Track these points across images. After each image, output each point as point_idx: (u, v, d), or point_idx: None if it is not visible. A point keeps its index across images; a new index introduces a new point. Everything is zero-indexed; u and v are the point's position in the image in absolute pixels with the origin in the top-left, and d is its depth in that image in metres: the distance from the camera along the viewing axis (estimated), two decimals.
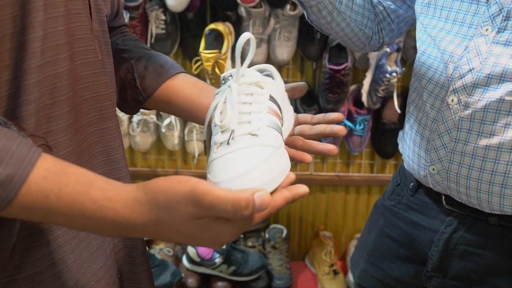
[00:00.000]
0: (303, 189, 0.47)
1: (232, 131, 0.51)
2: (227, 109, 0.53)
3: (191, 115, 0.70)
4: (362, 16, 0.86)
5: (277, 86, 0.60)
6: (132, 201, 0.43)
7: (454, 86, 0.71)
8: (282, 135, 0.56)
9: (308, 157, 0.64)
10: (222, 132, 0.52)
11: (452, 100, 0.72)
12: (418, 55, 0.81)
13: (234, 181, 0.46)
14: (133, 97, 0.72)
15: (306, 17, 0.86)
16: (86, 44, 0.54)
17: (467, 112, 0.70)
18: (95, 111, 0.57)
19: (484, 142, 0.69)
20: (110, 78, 0.63)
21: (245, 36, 0.52)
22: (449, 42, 0.73)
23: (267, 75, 0.63)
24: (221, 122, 0.52)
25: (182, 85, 0.71)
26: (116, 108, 0.68)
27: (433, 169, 0.77)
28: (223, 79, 0.57)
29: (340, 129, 0.64)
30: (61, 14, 0.49)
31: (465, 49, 0.70)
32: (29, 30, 0.45)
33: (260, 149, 0.50)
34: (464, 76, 0.70)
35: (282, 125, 0.58)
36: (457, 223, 0.78)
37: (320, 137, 0.66)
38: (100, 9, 0.59)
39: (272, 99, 0.57)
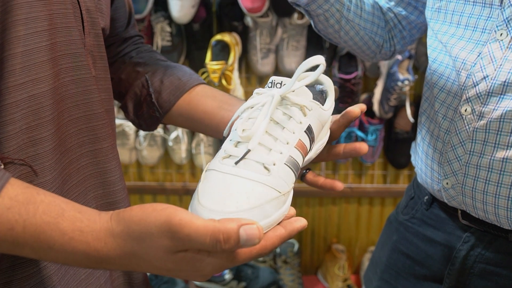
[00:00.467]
0: (300, 223, 0.43)
1: (248, 151, 0.46)
2: (256, 121, 0.47)
3: (212, 130, 0.66)
4: (371, 23, 0.82)
5: (323, 113, 0.54)
6: (105, 232, 0.41)
7: (467, 95, 0.67)
8: (296, 176, 0.50)
9: (339, 185, 0.59)
10: (237, 144, 0.47)
11: (466, 110, 0.68)
12: (429, 62, 0.77)
13: (220, 215, 0.42)
14: (149, 113, 0.68)
15: (314, 26, 0.82)
16: (76, 60, 0.51)
17: (482, 122, 0.66)
18: (86, 131, 0.54)
19: (501, 154, 0.65)
20: (106, 95, 0.60)
21: (318, 59, 0.47)
22: (461, 49, 0.69)
23: (321, 91, 0.57)
24: (242, 131, 0.47)
25: (202, 98, 0.67)
26: (118, 124, 0.64)
27: (447, 183, 0.72)
28: (271, 83, 0.50)
29: (361, 146, 0.58)
30: (44, 29, 0.46)
31: (478, 56, 0.66)
32: (8, 45, 0.43)
33: (264, 190, 0.44)
34: (477, 84, 0.66)
35: (305, 157, 0.52)
36: (475, 240, 0.73)
37: (338, 158, 0.61)
38: (95, 23, 0.56)
39: (308, 129, 0.51)
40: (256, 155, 0.46)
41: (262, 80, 1.61)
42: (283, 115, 0.49)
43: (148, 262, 0.40)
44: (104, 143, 0.56)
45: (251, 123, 0.48)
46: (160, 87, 0.67)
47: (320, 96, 0.57)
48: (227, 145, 0.48)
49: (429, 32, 0.78)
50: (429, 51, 0.77)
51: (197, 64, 1.52)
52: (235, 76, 1.48)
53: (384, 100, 1.54)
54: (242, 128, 0.47)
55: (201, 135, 1.54)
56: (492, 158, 0.65)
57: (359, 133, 1.59)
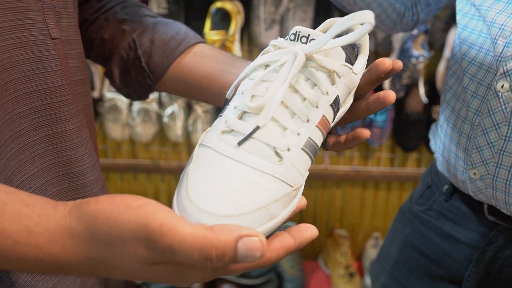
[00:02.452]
0: (311, 233, 0.34)
1: (257, 127, 0.35)
2: (271, 87, 0.36)
3: (215, 97, 0.55)
4: None
5: (353, 78, 0.42)
6: (62, 232, 0.31)
7: (505, 67, 0.57)
8: (313, 161, 0.39)
9: (366, 132, 0.48)
10: (243, 115, 0.36)
11: (502, 86, 0.57)
12: (458, 31, 0.66)
13: (214, 219, 0.32)
14: (139, 80, 0.58)
15: None
16: (24, 16, 0.40)
17: None
18: (41, 110, 0.43)
19: None
20: (77, 63, 0.49)
21: (366, 17, 0.34)
22: (499, 12, 0.58)
23: (353, 46, 0.44)
24: (252, 98, 0.36)
25: (200, 59, 0.56)
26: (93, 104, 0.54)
27: (475, 174, 0.63)
28: (295, 34, 0.38)
29: (386, 94, 0.46)
30: None
31: None
32: None
33: (273, 186, 0.34)
34: None
35: (325, 135, 0.40)
36: (504, 240, 0.63)
37: (362, 117, 0.49)
38: None
39: (335, 102, 0.40)
40: (267, 135, 0.35)
41: None
42: (306, 81, 0.38)
43: (119, 270, 0.32)
44: (67, 124, 0.45)
45: (264, 88, 0.37)
46: (151, 48, 0.56)
47: (352, 53, 0.45)
48: (229, 115, 0.37)
49: None
50: (458, 17, 0.67)
51: None
52: (236, 48, 1.37)
53: (396, 78, 1.44)
54: (251, 94, 0.36)
55: (199, 111, 1.45)
56: None
57: None
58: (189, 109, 1.51)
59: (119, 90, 0.61)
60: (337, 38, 0.37)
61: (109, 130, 1.50)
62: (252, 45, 1.50)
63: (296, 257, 1.62)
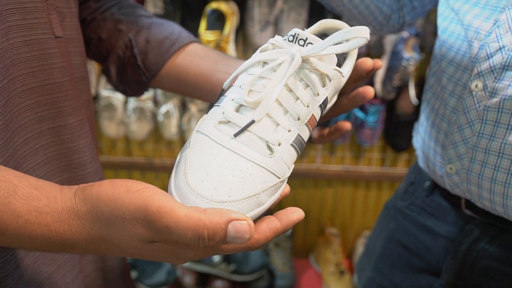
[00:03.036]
0: (297, 215, 0.37)
1: (252, 121, 0.38)
2: (268, 85, 0.39)
3: (207, 94, 0.58)
4: None
5: (341, 81, 0.45)
6: (68, 212, 0.34)
7: (479, 68, 0.59)
8: (299, 156, 0.42)
9: (347, 124, 0.53)
10: (239, 108, 0.39)
11: (476, 86, 0.60)
12: (438, 33, 0.69)
13: (208, 203, 0.35)
14: (135, 78, 0.60)
15: None
16: (31, 16, 0.43)
17: (494, 100, 0.58)
18: (45, 104, 0.46)
19: None
20: (78, 60, 0.51)
21: (363, 32, 0.38)
22: (475, 16, 0.61)
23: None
24: (249, 93, 0.39)
25: (194, 58, 0.59)
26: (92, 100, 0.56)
27: (451, 169, 0.65)
28: (293, 36, 0.41)
29: (365, 89, 0.50)
30: None
31: (494, 24, 0.58)
32: None
33: (263, 176, 0.37)
34: (492, 56, 0.58)
35: (312, 132, 0.44)
36: (478, 233, 0.66)
37: (342, 112, 0.54)
38: None
39: (323, 103, 0.43)
40: (261, 129, 0.38)
41: None
42: (300, 82, 0.40)
43: (120, 248, 0.35)
44: (69, 118, 0.48)
45: (261, 84, 0.39)
46: (146, 48, 0.59)
47: (341, 56, 0.48)
48: (227, 106, 0.39)
49: (441, 0, 0.70)
50: (439, 21, 0.69)
51: (192, 35, 1.44)
52: (231, 48, 1.40)
53: (387, 79, 1.47)
54: (249, 89, 0.39)
55: (193, 110, 1.47)
56: (504, 141, 0.58)
57: (359, 114, 1.52)
58: (183, 108, 1.53)
59: (116, 87, 0.64)
60: (333, 46, 0.40)
61: (104, 127, 1.52)
62: (246, 46, 1.52)
63: (288, 255, 1.64)
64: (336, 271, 1.60)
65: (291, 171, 0.41)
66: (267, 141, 0.38)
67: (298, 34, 0.41)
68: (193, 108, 1.47)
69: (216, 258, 1.51)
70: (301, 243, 1.78)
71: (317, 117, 0.43)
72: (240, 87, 0.41)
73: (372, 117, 1.52)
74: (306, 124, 0.41)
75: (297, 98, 0.40)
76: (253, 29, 1.43)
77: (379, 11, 0.75)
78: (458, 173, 0.65)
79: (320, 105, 0.43)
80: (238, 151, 0.37)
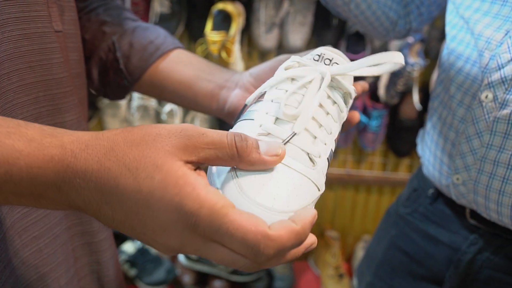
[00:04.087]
0: (310, 212, 0.36)
1: (294, 133, 0.38)
2: (304, 100, 0.40)
3: (189, 102, 0.58)
4: None
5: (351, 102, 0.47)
6: (89, 136, 0.32)
7: (489, 79, 0.59)
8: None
9: (357, 115, 0.53)
10: (276, 121, 0.39)
11: (486, 97, 0.59)
12: (447, 41, 0.69)
13: (269, 213, 0.34)
14: (116, 81, 0.59)
15: None
16: (30, 8, 0.42)
17: (505, 112, 0.58)
18: (44, 100, 0.44)
19: None
20: (76, 56, 0.51)
21: (399, 58, 0.40)
22: (486, 26, 0.60)
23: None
24: (285, 107, 0.39)
25: (177, 65, 0.58)
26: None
27: (457, 179, 0.65)
28: (319, 56, 0.43)
29: (354, 115, 0.52)
30: None
31: (506, 34, 0.58)
32: None
33: (310, 188, 0.37)
34: (503, 67, 0.58)
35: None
36: (483, 243, 0.66)
37: None
38: None
39: (344, 121, 0.45)
40: (302, 141, 0.38)
41: (264, 56, 1.53)
42: (328, 99, 0.42)
43: (137, 180, 0.31)
44: (67, 115, 0.47)
45: (294, 99, 0.40)
46: (129, 51, 0.58)
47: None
48: (263, 119, 0.39)
49: (450, 7, 0.70)
50: (447, 29, 0.69)
51: (197, 35, 1.44)
52: (236, 49, 1.40)
53: (391, 84, 1.47)
54: (284, 103, 0.39)
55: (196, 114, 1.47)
56: None
57: (362, 118, 1.52)
58: (187, 110, 1.53)
59: (97, 90, 0.62)
60: (364, 68, 0.41)
61: (107, 125, 1.52)
62: (251, 47, 1.52)
63: None
64: (335, 274, 1.60)
65: (324, 186, 0.41)
66: (308, 153, 0.38)
67: (324, 54, 0.43)
68: None
69: None
70: None
71: (338, 134, 0.44)
72: (272, 101, 0.41)
73: (375, 122, 1.52)
74: (335, 139, 0.42)
75: (328, 114, 0.41)
76: (259, 30, 1.43)
77: (385, 17, 0.75)
78: (465, 183, 0.64)
79: (343, 124, 0.44)
80: (285, 162, 0.37)
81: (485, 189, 0.61)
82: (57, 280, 0.47)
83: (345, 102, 0.44)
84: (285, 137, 0.38)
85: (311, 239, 0.36)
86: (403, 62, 0.40)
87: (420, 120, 1.56)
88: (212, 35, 1.33)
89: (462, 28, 0.65)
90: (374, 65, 0.41)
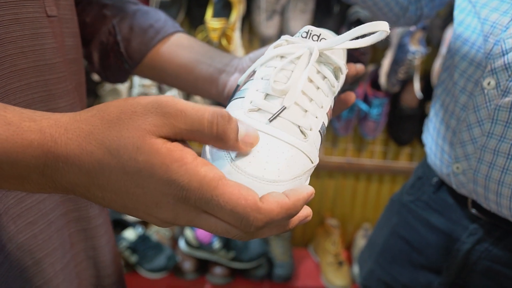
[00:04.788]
0: (306, 189, 0.36)
1: (283, 108, 0.38)
2: (293, 75, 0.40)
3: (189, 86, 0.58)
4: None
5: (344, 78, 0.47)
6: (68, 119, 0.31)
7: (492, 65, 0.57)
8: (321, 144, 0.43)
9: (353, 96, 0.53)
10: (266, 97, 0.40)
11: (489, 83, 0.58)
12: (454, 26, 0.67)
13: (260, 183, 0.34)
14: (117, 64, 0.59)
15: None
16: None
17: (507, 99, 0.57)
18: (36, 86, 0.44)
19: None
20: (72, 41, 0.50)
21: (383, 26, 0.40)
22: (493, 9, 0.58)
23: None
24: (274, 83, 0.40)
25: (177, 49, 0.58)
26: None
27: (457, 168, 0.64)
28: (307, 33, 0.44)
29: (349, 96, 0.52)
30: None
31: None
32: None
33: (302, 159, 0.38)
34: (507, 53, 0.56)
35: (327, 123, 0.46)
36: (483, 234, 0.66)
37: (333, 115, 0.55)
38: None
39: (337, 94, 0.46)
40: (292, 115, 0.39)
41: (265, 43, 1.52)
42: (318, 74, 0.42)
43: (118, 159, 0.30)
44: (60, 101, 0.47)
45: (283, 75, 0.41)
46: (130, 35, 0.58)
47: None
48: (253, 96, 0.40)
49: None
50: (455, 13, 0.67)
51: (198, 22, 1.43)
52: (237, 36, 1.39)
53: (392, 72, 1.46)
54: (274, 80, 0.40)
55: (198, 97, 1.47)
56: None
57: (363, 106, 1.51)
58: (188, 95, 1.53)
59: (98, 73, 0.62)
60: (351, 41, 0.42)
61: None
62: (252, 34, 1.52)
63: (287, 244, 1.65)
64: (335, 262, 1.61)
65: (318, 158, 0.42)
66: (299, 126, 0.39)
67: (311, 31, 0.43)
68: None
69: (216, 244, 1.52)
70: (301, 233, 1.79)
71: (331, 107, 0.45)
72: (262, 78, 0.42)
73: (376, 110, 1.52)
74: (327, 113, 0.43)
75: (318, 88, 0.42)
76: (259, 17, 1.42)
77: (394, 2, 0.73)
78: (464, 173, 0.64)
79: (334, 97, 0.45)
80: (275, 135, 0.37)
81: (485, 179, 0.61)
82: (52, 265, 0.47)
83: (336, 77, 0.44)
84: (275, 111, 0.38)
85: (305, 211, 0.36)
86: (388, 30, 0.40)
87: (421, 109, 1.55)
88: (212, 22, 1.32)
89: (470, 12, 0.63)
90: (361, 37, 0.42)
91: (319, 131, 0.41)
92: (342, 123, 1.53)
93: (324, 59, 0.43)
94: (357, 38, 0.42)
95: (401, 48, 1.42)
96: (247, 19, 1.48)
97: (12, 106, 0.33)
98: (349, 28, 1.42)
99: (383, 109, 1.53)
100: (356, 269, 1.62)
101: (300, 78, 0.40)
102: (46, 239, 0.47)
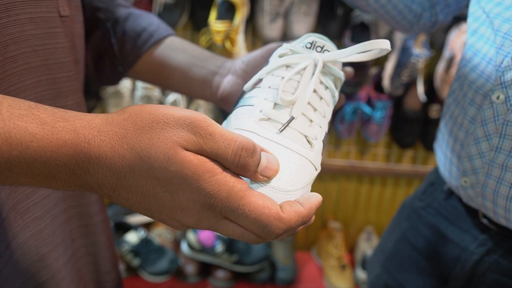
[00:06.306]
0: (315, 197, 0.40)
1: (292, 118, 0.41)
2: (300, 86, 0.43)
3: (183, 89, 0.59)
4: None
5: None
6: (100, 120, 0.33)
7: (502, 78, 0.56)
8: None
9: (342, 98, 0.56)
10: (275, 106, 0.42)
11: (498, 97, 0.56)
12: (468, 34, 0.66)
13: (275, 192, 0.36)
14: (111, 67, 0.60)
15: None
16: None
17: None
18: (46, 83, 0.45)
19: None
20: (79, 41, 0.51)
21: (385, 44, 0.42)
22: (506, 20, 0.56)
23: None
24: (283, 93, 0.42)
25: (171, 52, 0.58)
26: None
27: (465, 182, 0.63)
28: (311, 44, 0.46)
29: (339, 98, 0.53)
30: None
31: None
32: None
33: (309, 168, 0.40)
34: None
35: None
36: (492, 245, 0.64)
37: None
38: None
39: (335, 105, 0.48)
40: (300, 125, 0.41)
41: None
42: (320, 84, 0.44)
43: (148, 163, 0.32)
44: (68, 99, 0.48)
45: (291, 85, 0.43)
46: (124, 38, 0.58)
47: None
48: (262, 105, 0.42)
49: None
50: (469, 21, 0.66)
51: (201, 24, 1.43)
52: (240, 39, 1.39)
53: (396, 75, 1.46)
54: (282, 89, 0.42)
55: (200, 100, 1.46)
56: None
57: (366, 109, 1.51)
58: (190, 97, 1.53)
59: (91, 75, 0.63)
60: (354, 55, 0.44)
61: None
62: (255, 37, 1.51)
63: (290, 247, 1.65)
64: (338, 265, 1.61)
65: (320, 166, 0.44)
66: (306, 136, 0.41)
67: (315, 41, 0.46)
68: None
69: (219, 248, 1.51)
70: (303, 236, 1.79)
71: (330, 118, 0.47)
72: (269, 87, 0.44)
73: (379, 113, 1.51)
74: (328, 122, 0.45)
75: (321, 98, 0.44)
76: (263, 20, 1.42)
77: (408, 10, 0.71)
78: (473, 187, 0.62)
79: (334, 107, 0.47)
80: (287, 145, 0.39)
81: (493, 194, 0.59)
82: (56, 260, 0.48)
83: (336, 87, 0.47)
84: (284, 121, 0.40)
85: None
86: (389, 48, 0.42)
87: (424, 112, 1.55)
88: (216, 24, 1.32)
89: (484, 22, 0.61)
90: (363, 52, 0.44)
91: (322, 140, 0.43)
92: (345, 126, 1.53)
93: (326, 70, 0.45)
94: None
95: (405, 51, 1.42)
96: (251, 22, 1.47)
97: (42, 104, 0.33)
98: (352, 31, 1.43)
99: (386, 112, 1.53)
100: (359, 272, 1.61)
101: (307, 89, 0.42)
102: (50, 234, 0.48)
